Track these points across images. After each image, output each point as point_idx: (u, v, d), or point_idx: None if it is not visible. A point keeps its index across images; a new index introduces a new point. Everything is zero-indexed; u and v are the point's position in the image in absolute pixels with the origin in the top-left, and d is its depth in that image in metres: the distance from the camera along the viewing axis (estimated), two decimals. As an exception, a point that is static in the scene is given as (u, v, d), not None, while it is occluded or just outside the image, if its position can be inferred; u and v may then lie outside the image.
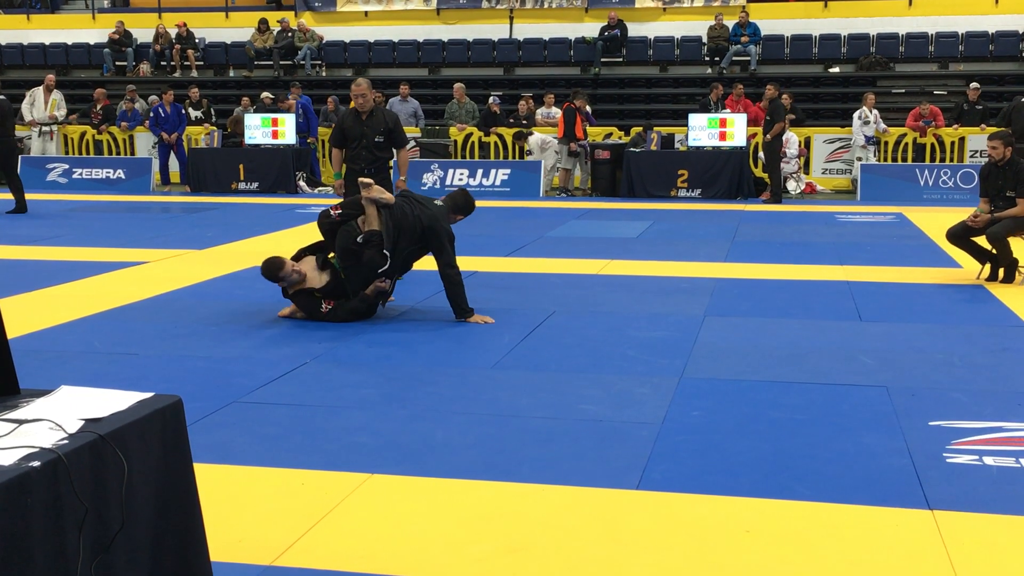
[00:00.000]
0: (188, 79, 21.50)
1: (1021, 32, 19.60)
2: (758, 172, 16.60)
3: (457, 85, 18.72)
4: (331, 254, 7.43)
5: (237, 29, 22.86)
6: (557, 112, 17.39)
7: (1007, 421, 4.98)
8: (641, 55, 20.96)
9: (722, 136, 16.01)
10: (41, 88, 19.02)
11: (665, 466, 4.41)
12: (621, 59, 20.92)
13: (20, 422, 2.54)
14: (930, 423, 4.95)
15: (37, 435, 2.47)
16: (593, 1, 21.58)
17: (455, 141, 18.06)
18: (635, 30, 21.06)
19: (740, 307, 7.78)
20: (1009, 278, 8.67)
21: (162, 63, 22.39)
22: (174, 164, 18.62)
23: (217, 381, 5.75)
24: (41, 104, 18.96)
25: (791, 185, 16.32)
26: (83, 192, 17.57)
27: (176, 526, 2.84)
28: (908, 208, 14.46)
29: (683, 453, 4.57)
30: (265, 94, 18.31)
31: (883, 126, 17.13)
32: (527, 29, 21.77)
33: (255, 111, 17.86)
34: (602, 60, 20.72)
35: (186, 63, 22.28)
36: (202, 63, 22.56)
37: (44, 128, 19.00)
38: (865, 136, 16.94)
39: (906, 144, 17.20)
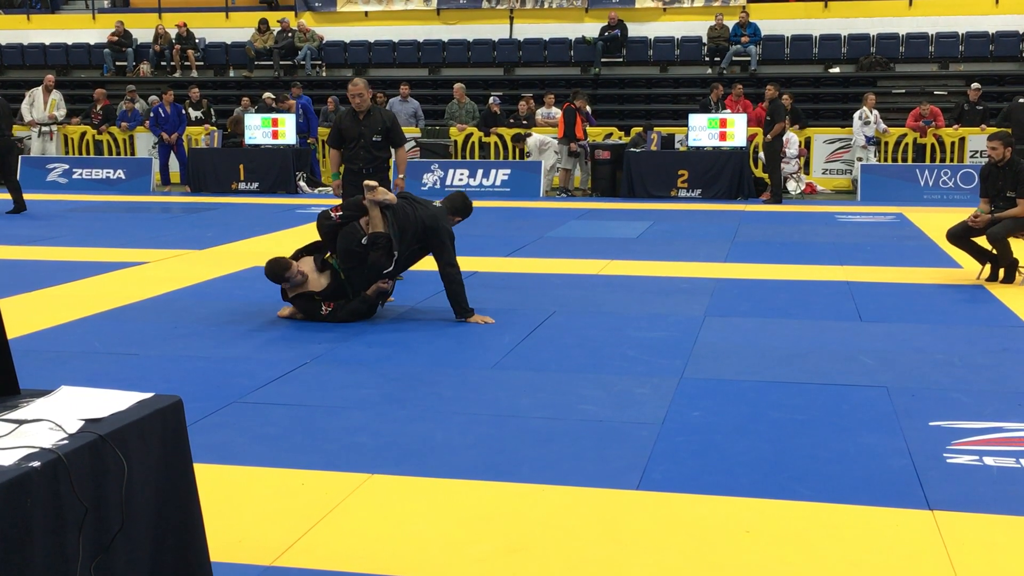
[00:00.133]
0: (188, 79, 21.50)
1: (1021, 32, 19.60)
2: (758, 172, 16.61)
3: (457, 85, 18.72)
4: (329, 254, 7.42)
5: (237, 29, 22.86)
6: (557, 112, 17.39)
7: (1007, 421, 4.98)
8: (641, 55, 20.96)
9: (722, 136, 16.01)
10: (40, 88, 19.03)
11: (665, 466, 4.41)
12: (621, 59, 20.92)
13: (20, 422, 2.54)
14: (930, 423, 4.95)
15: (37, 435, 2.47)
16: (593, 1, 21.58)
17: (455, 141, 18.06)
18: (635, 30, 21.06)
19: (740, 307, 7.78)
20: (1009, 278, 8.67)
21: (162, 63, 22.39)
22: (174, 164, 18.62)
23: (217, 381, 5.75)
24: (40, 104, 18.97)
25: (791, 185, 16.32)
26: (83, 192, 17.57)
27: (176, 526, 2.84)
28: (908, 208, 14.46)
29: (683, 453, 4.57)
30: (267, 94, 18.32)
31: (883, 126, 17.13)
32: (527, 29, 21.78)
33: (256, 111, 17.86)
34: (602, 60, 20.72)
35: (186, 63, 22.28)
36: (202, 63, 22.55)
37: (44, 128, 19.01)
38: (865, 136, 16.93)
39: (906, 144, 17.20)
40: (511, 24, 21.83)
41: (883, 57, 19.73)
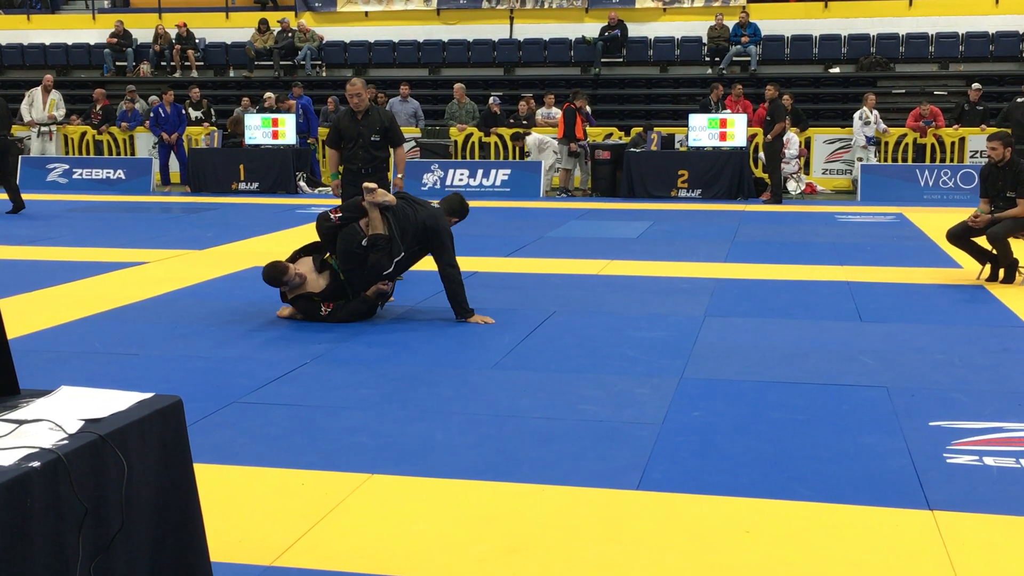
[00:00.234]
0: (188, 79, 21.51)
1: (1021, 32, 19.60)
2: (758, 172, 16.61)
3: (457, 85, 18.73)
4: (327, 255, 7.42)
5: (237, 29, 22.86)
6: (557, 112, 17.39)
7: (1007, 421, 4.98)
8: (641, 55, 20.96)
9: (722, 136, 16.01)
10: (39, 88, 19.03)
11: (665, 466, 4.41)
12: (621, 59, 20.92)
13: (20, 422, 2.54)
14: (930, 423, 4.95)
15: (37, 435, 2.47)
16: (593, 1, 21.58)
17: (455, 141, 18.06)
18: (635, 30, 21.06)
19: (740, 307, 7.78)
20: (1009, 278, 8.67)
21: (162, 63, 22.40)
22: (174, 164, 18.62)
23: (217, 381, 5.75)
24: (39, 104, 18.97)
25: (791, 185, 16.32)
26: (83, 192, 17.57)
27: (176, 526, 2.84)
28: (908, 208, 14.46)
29: (683, 453, 4.57)
30: (268, 94, 18.31)
31: (883, 126, 17.13)
32: (527, 29, 21.78)
33: (258, 111, 17.85)
34: (602, 60, 20.72)
35: (186, 63, 22.28)
36: (202, 63, 22.56)
37: (43, 128, 19.01)
38: (866, 136, 16.93)
39: (906, 144, 17.20)
40: (511, 24, 21.83)
41: (883, 57, 19.73)
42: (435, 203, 7.60)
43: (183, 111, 18.59)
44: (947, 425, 4.92)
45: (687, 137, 16.36)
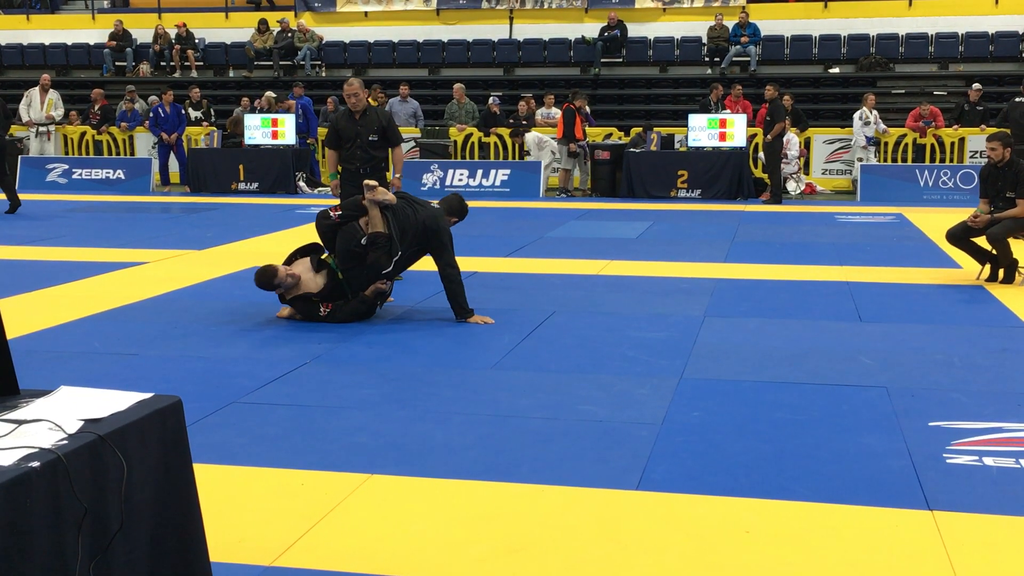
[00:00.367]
0: (188, 79, 21.51)
1: (1021, 32, 19.60)
2: (758, 172, 16.61)
3: (457, 85, 18.72)
4: (325, 255, 7.42)
5: (237, 29, 22.86)
6: (557, 112, 17.39)
7: (1007, 421, 4.98)
8: (641, 55, 20.96)
9: (722, 137, 16.01)
10: (37, 88, 19.03)
11: (665, 466, 4.41)
12: (621, 59, 20.92)
13: (20, 422, 2.54)
14: (930, 424, 4.95)
15: (37, 435, 2.47)
16: (593, 1, 21.58)
17: (455, 142, 18.06)
18: (635, 30, 21.05)
19: (740, 307, 7.78)
20: (1009, 279, 8.67)
21: (162, 63, 22.40)
22: (174, 164, 18.61)
23: (217, 381, 5.75)
24: (37, 104, 18.97)
25: (791, 186, 16.32)
26: (83, 192, 17.57)
27: (176, 526, 2.84)
28: (908, 209, 14.46)
29: (683, 453, 4.57)
30: (268, 93, 18.31)
31: (883, 127, 17.13)
32: (527, 29, 21.77)
33: (258, 112, 17.84)
34: (602, 60, 20.72)
35: (186, 63, 22.28)
36: (202, 63, 22.56)
37: (41, 128, 19.01)
38: (865, 137, 16.93)
39: (906, 145, 17.20)
40: (511, 24, 21.83)
41: (883, 57, 19.73)
42: (435, 203, 7.59)
43: (183, 111, 18.59)
44: (947, 425, 4.92)
45: (687, 137, 16.37)
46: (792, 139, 16.27)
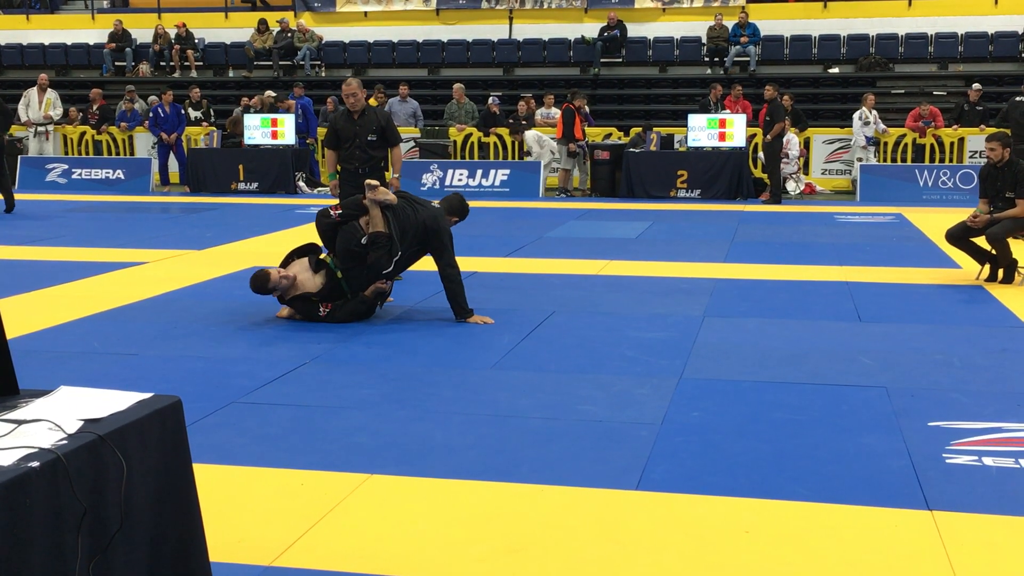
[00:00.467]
0: (188, 79, 21.51)
1: (1021, 32, 19.60)
2: (757, 172, 16.61)
3: (456, 85, 18.72)
4: (323, 255, 7.41)
5: (236, 29, 22.85)
6: (556, 112, 17.39)
7: (1007, 421, 4.98)
8: (641, 55, 20.96)
9: (721, 137, 16.01)
10: (35, 88, 19.03)
11: (665, 466, 4.41)
12: (620, 59, 20.92)
13: (20, 422, 2.54)
14: (929, 424, 4.95)
15: (36, 435, 2.47)
16: (593, 1, 21.58)
17: (454, 141, 18.05)
18: (634, 30, 21.06)
19: (740, 307, 7.78)
20: (1008, 279, 8.68)
21: (161, 63, 22.39)
22: (173, 164, 18.61)
23: (217, 381, 5.75)
24: (35, 104, 18.97)
25: (790, 186, 16.32)
26: (82, 192, 17.57)
27: (175, 526, 2.84)
28: (907, 209, 14.46)
29: (683, 453, 4.57)
30: (268, 92, 18.30)
31: (883, 127, 17.13)
32: (527, 29, 21.77)
33: (256, 112, 17.84)
34: (601, 60, 20.72)
35: (185, 63, 22.28)
36: (201, 63, 22.55)
37: (39, 128, 19.00)
38: (865, 137, 16.93)
39: (905, 145, 17.20)
40: (510, 24, 21.83)
41: (882, 57, 19.73)
42: (435, 203, 7.59)
43: (182, 111, 18.59)
44: (946, 425, 4.92)
45: (686, 137, 16.37)
46: (792, 139, 16.27)
